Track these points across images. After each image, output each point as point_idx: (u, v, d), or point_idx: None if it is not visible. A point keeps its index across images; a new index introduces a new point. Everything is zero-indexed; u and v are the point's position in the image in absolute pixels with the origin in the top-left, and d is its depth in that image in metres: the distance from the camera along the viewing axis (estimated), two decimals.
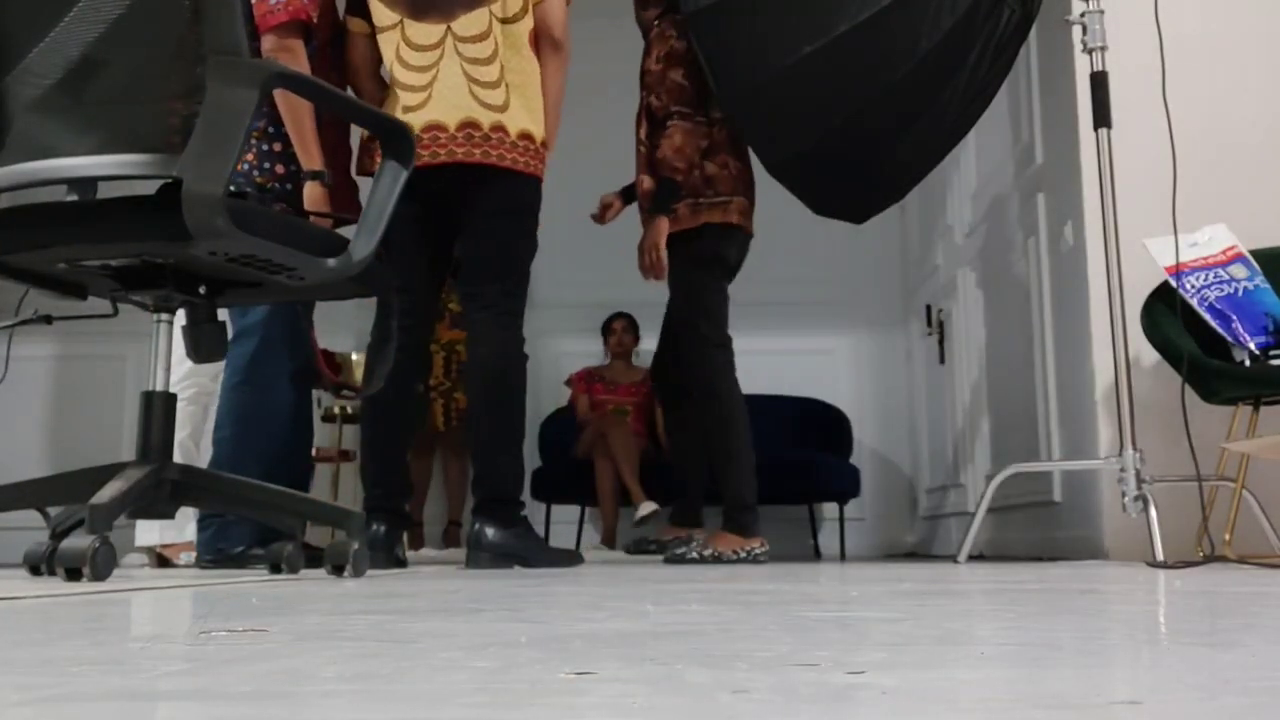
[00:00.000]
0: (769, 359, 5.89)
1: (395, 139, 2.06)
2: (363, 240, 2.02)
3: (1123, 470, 2.95)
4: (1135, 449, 2.94)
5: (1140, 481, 2.92)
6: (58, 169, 1.87)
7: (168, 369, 2.10)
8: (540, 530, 5.50)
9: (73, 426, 5.56)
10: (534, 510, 5.64)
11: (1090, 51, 3.13)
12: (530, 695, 0.55)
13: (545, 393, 5.85)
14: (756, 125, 3.46)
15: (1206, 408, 3.03)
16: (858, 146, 3.51)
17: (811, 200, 3.76)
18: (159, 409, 2.07)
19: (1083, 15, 3.16)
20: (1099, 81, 3.11)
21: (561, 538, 5.66)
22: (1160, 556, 2.73)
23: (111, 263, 1.95)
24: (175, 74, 1.81)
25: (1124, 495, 2.94)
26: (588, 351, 5.87)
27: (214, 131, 1.72)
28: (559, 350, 6.00)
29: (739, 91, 3.34)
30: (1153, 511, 2.84)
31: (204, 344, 2.07)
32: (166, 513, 2.15)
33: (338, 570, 2.18)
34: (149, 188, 1.87)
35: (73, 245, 1.92)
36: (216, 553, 2.94)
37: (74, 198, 2.14)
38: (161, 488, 2.03)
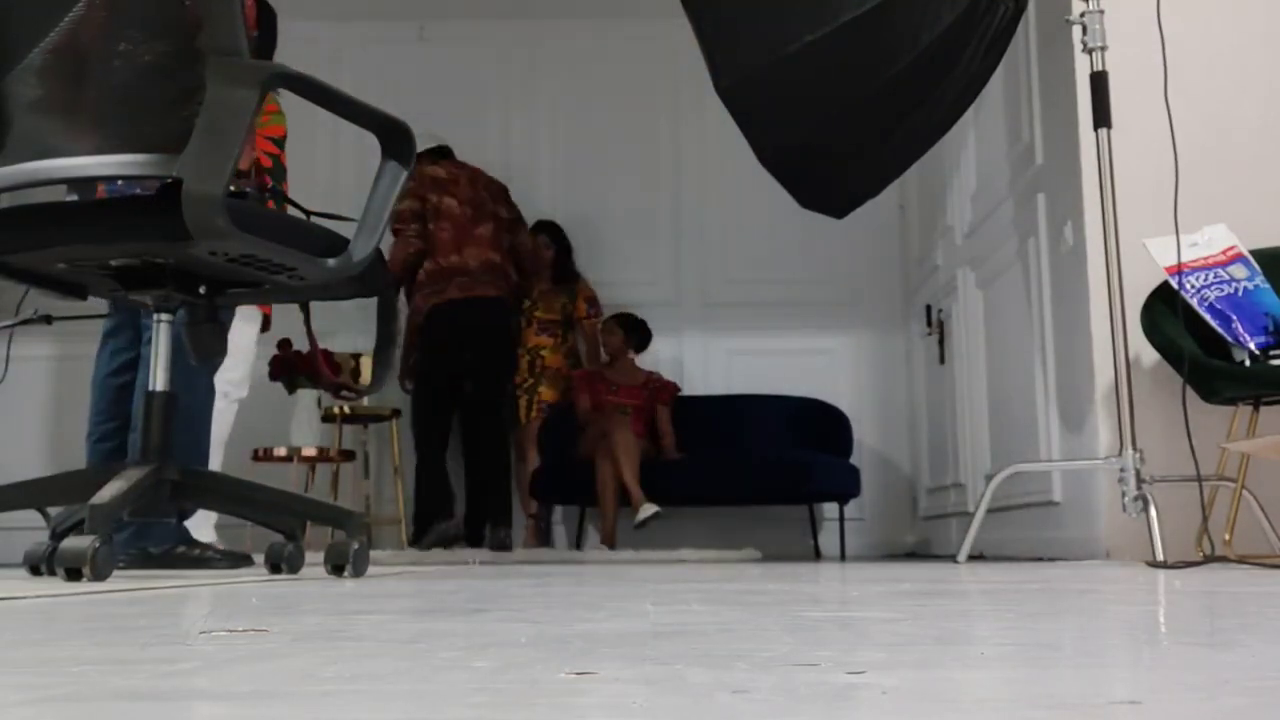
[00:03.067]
0: (769, 359, 5.89)
1: (396, 139, 2.06)
2: (363, 240, 2.01)
3: (1123, 470, 2.95)
4: (1135, 449, 2.94)
5: (1140, 481, 2.92)
6: (58, 169, 1.87)
7: (168, 369, 2.08)
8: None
9: (73, 426, 5.55)
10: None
11: (1090, 51, 3.13)
12: (530, 695, 0.55)
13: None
14: (752, 112, 3.45)
15: (1206, 408, 3.03)
16: (851, 139, 3.51)
17: (798, 193, 3.75)
18: (159, 409, 2.06)
19: (1083, 15, 3.16)
20: (1099, 81, 3.11)
21: (561, 538, 5.66)
22: (1160, 556, 2.73)
23: (111, 263, 1.95)
24: (175, 74, 1.82)
25: (1124, 495, 2.94)
26: None
27: (214, 131, 1.72)
28: None
29: (736, 77, 3.33)
30: (1153, 511, 2.84)
31: (204, 344, 2.07)
32: (166, 513, 2.15)
33: (338, 570, 2.18)
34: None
35: (73, 245, 1.92)
36: (139, 552, 2.90)
37: (74, 198, 2.14)
38: (161, 488, 2.03)
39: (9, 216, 1.93)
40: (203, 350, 2.07)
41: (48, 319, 2.45)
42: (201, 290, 2.04)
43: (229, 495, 2.29)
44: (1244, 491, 2.98)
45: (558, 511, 5.69)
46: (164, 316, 2.09)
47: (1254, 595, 1.39)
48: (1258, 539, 3.05)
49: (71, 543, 1.76)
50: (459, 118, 6.01)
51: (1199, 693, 0.55)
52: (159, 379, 2.07)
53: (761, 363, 5.89)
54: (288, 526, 2.31)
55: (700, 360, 5.98)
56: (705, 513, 5.50)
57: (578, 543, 5.53)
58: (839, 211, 3.89)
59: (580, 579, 2.07)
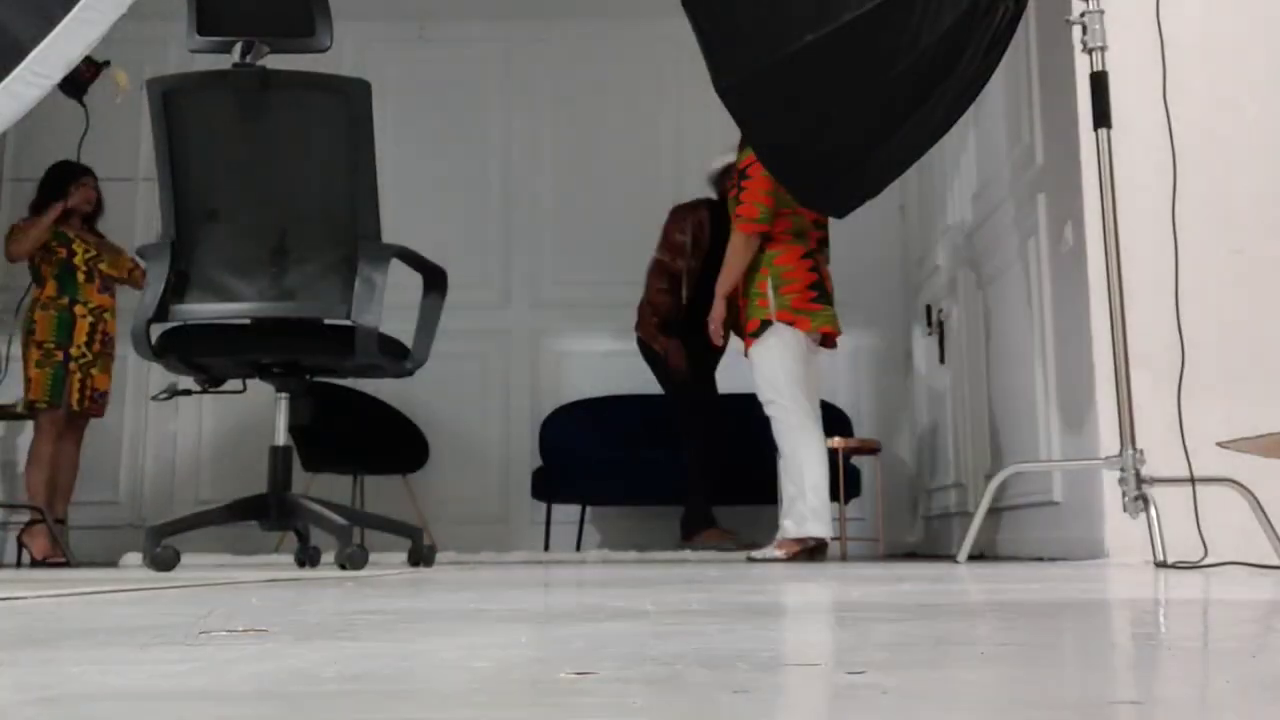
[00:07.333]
0: None
1: (437, 278, 2.92)
2: (421, 346, 2.90)
3: (1123, 470, 2.95)
4: (1135, 449, 2.94)
5: (1140, 481, 2.91)
6: (255, 310, 2.70)
7: (287, 430, 2.84)
8: (540, 530, 5.50)
9: None
10: (535, 509, 5.64)
11: (1090, 51, 3.12)
12: (530, 695, 0.55)
13: (545, 392, 5.85)
14: (752, 112, 3.45)
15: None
16: (851, 139, 3.50)
17: (798, 192, 3.75)
18: (281, 458, 2.84)
19: (1083, 15, 3.15)
20: (1099, 81, 3.10)
21: (561, 538, 5.66)
22: (1160, 556, 2.73)
23: (263, 360, 2.78)
24: (337, 247, 2.67)
25: (1124, 495, 2.94)
26: (588, 351, 5.88)
27: (368, 289, 2.60)
28: (560, 350, 6.00)
29: (737, 77, 3.32)
30: (1153, 511, 2.84)
31: (301, 413, 2.85)
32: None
33: (342, 567, 2.66)
34: None
35: (255, 354, 2.78)
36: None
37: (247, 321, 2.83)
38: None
39: (215, 331, 2.78)
40: (299, 418, 2.86)
41: (188, 392, 3.05)
42: (308, 377, 2.88)
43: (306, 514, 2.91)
44: (1244, 491, 2.98)
45: (558, 511, 5.69)
46: (284, 395, 2.86)
47: (1253, 596, 1.39)
48: (1258, 539, 3.05)
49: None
50: (459, 118, 6.02)
51: (1199, 693, 0.55)
52: (280, 437, 2.84)
53: None
54: (304, 528, 3.10)
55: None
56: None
57: (578, 543, 5.53)
58: (839, 211, 3.89)
59: (580, 579, 2.07)
